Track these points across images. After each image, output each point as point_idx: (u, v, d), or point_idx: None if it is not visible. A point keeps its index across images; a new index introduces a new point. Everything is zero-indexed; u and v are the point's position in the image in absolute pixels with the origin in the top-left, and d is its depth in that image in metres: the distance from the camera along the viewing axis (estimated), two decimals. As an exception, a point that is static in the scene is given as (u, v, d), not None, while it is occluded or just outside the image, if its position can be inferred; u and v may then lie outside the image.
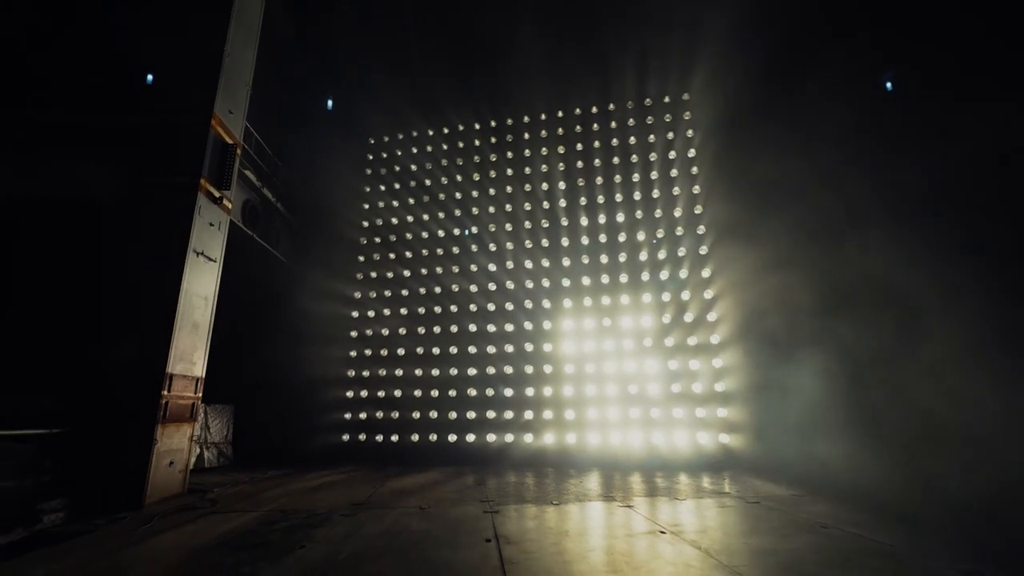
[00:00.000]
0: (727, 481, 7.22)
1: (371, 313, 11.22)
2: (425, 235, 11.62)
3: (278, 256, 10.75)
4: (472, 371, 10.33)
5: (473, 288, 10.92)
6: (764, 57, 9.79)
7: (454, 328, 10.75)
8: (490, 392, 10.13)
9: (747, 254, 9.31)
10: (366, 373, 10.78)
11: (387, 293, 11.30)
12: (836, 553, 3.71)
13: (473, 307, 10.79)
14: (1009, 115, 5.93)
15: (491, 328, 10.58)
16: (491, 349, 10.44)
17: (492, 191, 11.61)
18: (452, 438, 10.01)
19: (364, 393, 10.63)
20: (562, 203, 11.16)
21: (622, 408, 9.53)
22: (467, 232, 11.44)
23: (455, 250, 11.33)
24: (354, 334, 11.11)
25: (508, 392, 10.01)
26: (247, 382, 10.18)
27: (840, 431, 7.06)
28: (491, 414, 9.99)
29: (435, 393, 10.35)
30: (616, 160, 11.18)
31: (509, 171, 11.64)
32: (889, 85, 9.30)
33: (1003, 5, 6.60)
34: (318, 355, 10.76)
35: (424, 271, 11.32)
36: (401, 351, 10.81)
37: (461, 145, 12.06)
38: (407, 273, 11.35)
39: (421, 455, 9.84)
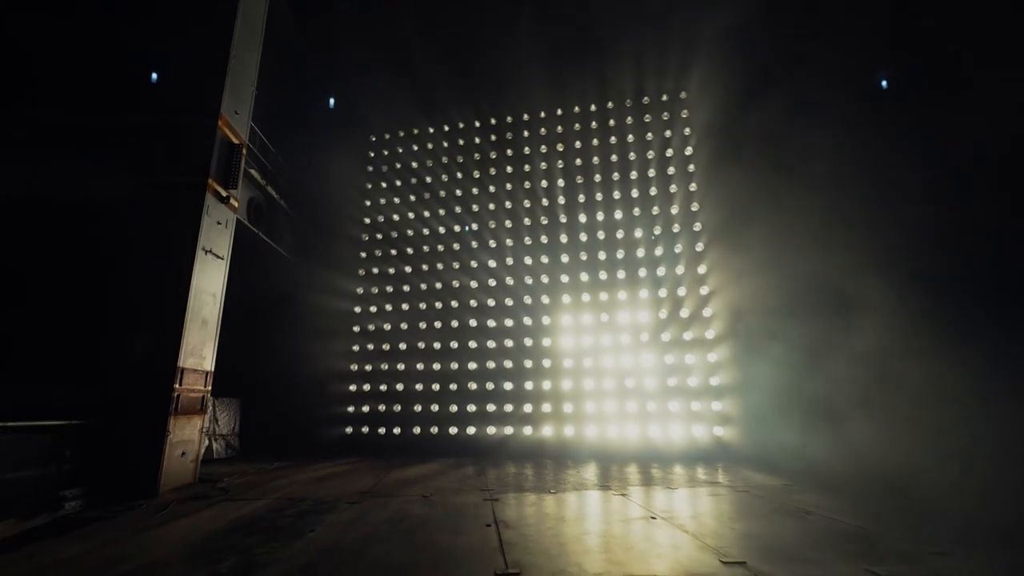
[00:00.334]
0: (720, 472, 7.46)
1: (373, 308, 11.44)
2: (426, 232, 11.83)
3: (282, 253, 10.94)
4: (472, 365, 10.56)
5: (473, 284, 11.13)
6: (760, 57, 9.94)
7: (455, 323, 10.97)
8: (490, 386, 10.36)
9: (733, 256, 9.70)
10: (368, 367, 11.01)
11: (389, 289, 11.51)
12: (816, 536, 3.93)
13: (473, 303, 11.01)
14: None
15: (491, 323, 10.80)
16: (491, 344, 10.67)
17: (492, 188, 11.79)
18: (453, 431, 10.26)
19: (367, 387, 10.87)
20: (561, 200, 11.34)
21: (619, 401, 9.77)
22: (467, 229, 11.63)
23: (455, 246, 11.53)
24: (356, 329, 11.33)
25: (507, 386, 10.27)
26: (253, 376, 10.41)
27: (806, 421, 7.75)
28: (491, 407, 10.23)
29: (436, 387, 10.59)
30: (614, 158, 11.35)
31: (509, 168, 11.81)
32: (884, 83, 9.47)
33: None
34: (321, 350, 10.99)
35: (425, 267, 11.53)
36: (403, 346, 11.03)
37: (461, 143, 12.22)
38: (408, 269, 11.56)
39: (423, 447, 10.09)
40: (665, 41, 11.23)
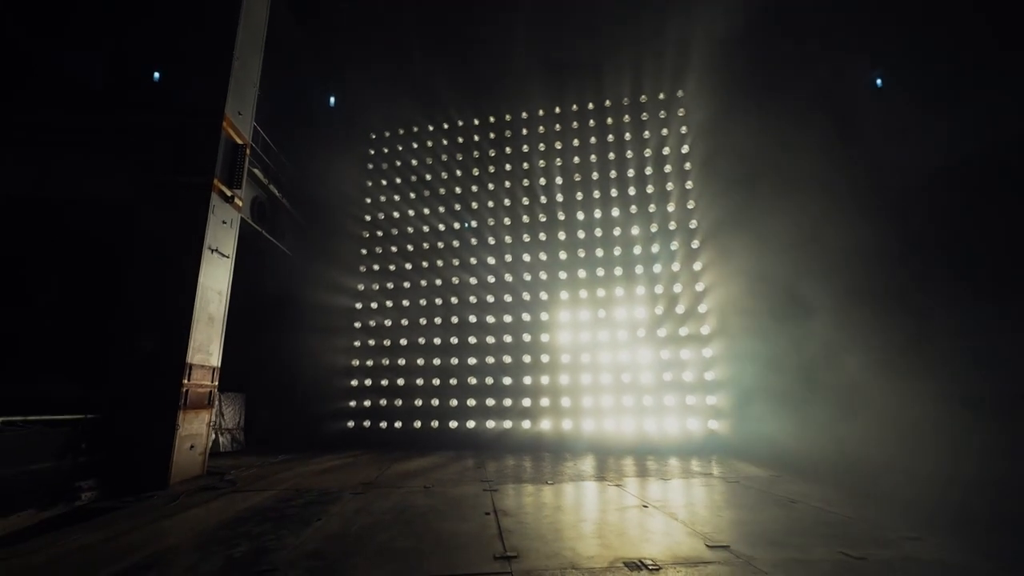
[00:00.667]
0: (713, 464, 7.68)
1: (374, 305, 11.62)
2: (426, 229, 11.98)
3: (284, 250, 11.10)
4: (472, 360, 10.76)
5: (473, 280, 11.31)
6: (757, 57, 10.09)
7: (454, 319, 11.15)
8: (489, 381, 10.56)
9: (722, 258, 10.05)
10: (370, 362, 11.20)
11: (389, 285, 11.68)
12: (798, 523, 4.14)
13: (473, 299, 11.18)
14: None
15: (490, 319, 10.98)
16: (490, 339, 10.86)
17: (491, 186, 11.94)
18: (453, 424, 10.47)
19: (368, 382, 11.06)
20: (559, 198, 11.49)
21: (616, 396, 9.97)
22: (466, 226, 11.78)
23: (455, 243, 11.69)
24: (358, 325, 11.51)
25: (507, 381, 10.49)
26: (257, 372, 10.61)
27: (777, 410, 8.47)
28: (490, 402, 10.43)
29: (436, 381, 10.79)
30: (612, 156, 11.49)
31: (507, 166, 11.95)
32: (879, 82, 9.61)
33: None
34: (323, 345, 11.18)
35: (425, 264, 11.69)
36: (404, 341, 11.21)
37: (460, 140, 12.36)
38: (408, 266, 11.73)
39: (423, 441, 10.29)
40: (662, 41, 11.35)
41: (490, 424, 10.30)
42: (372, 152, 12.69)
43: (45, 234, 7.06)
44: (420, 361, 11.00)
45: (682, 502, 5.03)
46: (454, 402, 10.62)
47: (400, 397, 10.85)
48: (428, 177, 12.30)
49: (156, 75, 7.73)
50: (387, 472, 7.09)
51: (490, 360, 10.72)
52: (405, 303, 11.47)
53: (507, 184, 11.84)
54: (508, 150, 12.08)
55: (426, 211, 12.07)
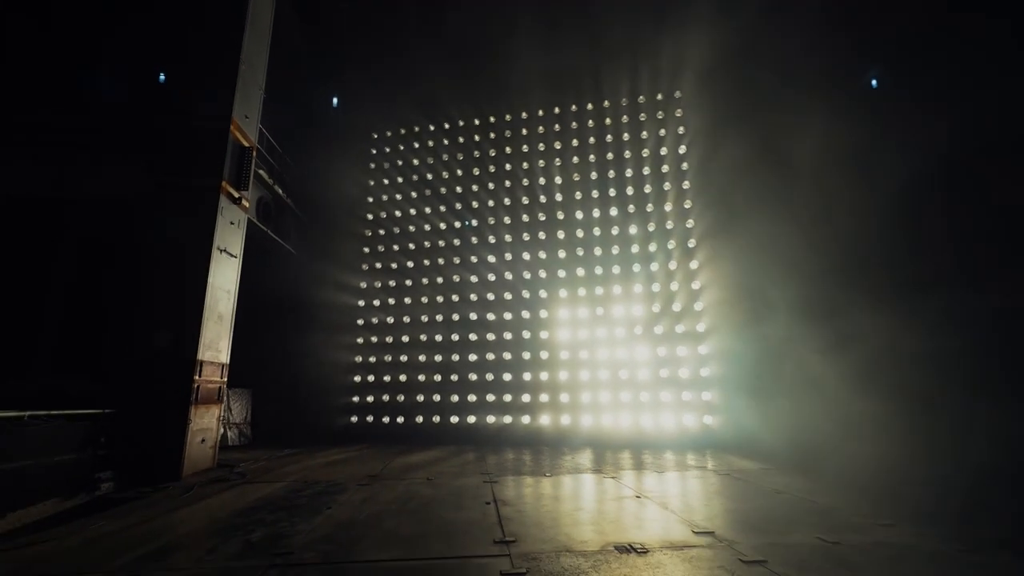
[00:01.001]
0: (708, 458, 7.93)
1: (376, 302, 11.85)
2: (427, 228, 12.20)
3: (289, 249, 11.32)
4: (472, 357, 11.00)
5: (473, 278, 11.54)
6: (753, 57, 10.25)
7: (456, 316, 11.39)
8: (490, 377, 10.82)
9: (712, 262, 10.41)
10: (373, 359, 11.45)
11: (392, 283, 11.91)
12: (782, 512, 4.39)
13: (473, 296, 11.42)
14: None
15: (491, 316, 11.22)
16: (491, 336, 11.10)
17: (491, 185, 12.14)
18: (454, 420, 10.73)
19: (371, 378, 11.32)
20: (558, 197, 11.70)
21: (614, 392, 10.22)
22: (467, 224, 12.00)
23: (456, 242, 11.91)
24: (361, 322, 11.76)
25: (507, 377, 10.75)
26: (263, 368, 10.85)
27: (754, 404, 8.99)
28: (491, 397, 10.69)
29: (438, 377, 11.05)
30: (610, 155, 11.69)
31: (507, 166, 12.16)
32: (874, 83, 9.77)
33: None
34: (327, 342, 11.43)
35: (427, 262, 11.92)
36: (406, 338, 11.45)
37: (461, 140, 12.55)
38: (410, 264, 11.97)
39: (425, 436, 10.56)
40: (660, 41, 11.51)
41: (490, 419, 10.56)
42: (374, 152, 12.88)
43: (60, 234, 7.28)
44: (422, 358, 11.24)
45: (674, 493, 5.28)
46: (455, 398, 10.88)
47: (402, 393, 11.11)
48: (429, 176, 12.49)
49: (162, 76, 7.93)
50: (391, 465, 7.34)
51: (490, 357, 10.96)
52: (407, 301, 11.71)
53: (507, 184, 12.04)
54: (508, 150, 12.28)
55: (427, 210, 12.27)
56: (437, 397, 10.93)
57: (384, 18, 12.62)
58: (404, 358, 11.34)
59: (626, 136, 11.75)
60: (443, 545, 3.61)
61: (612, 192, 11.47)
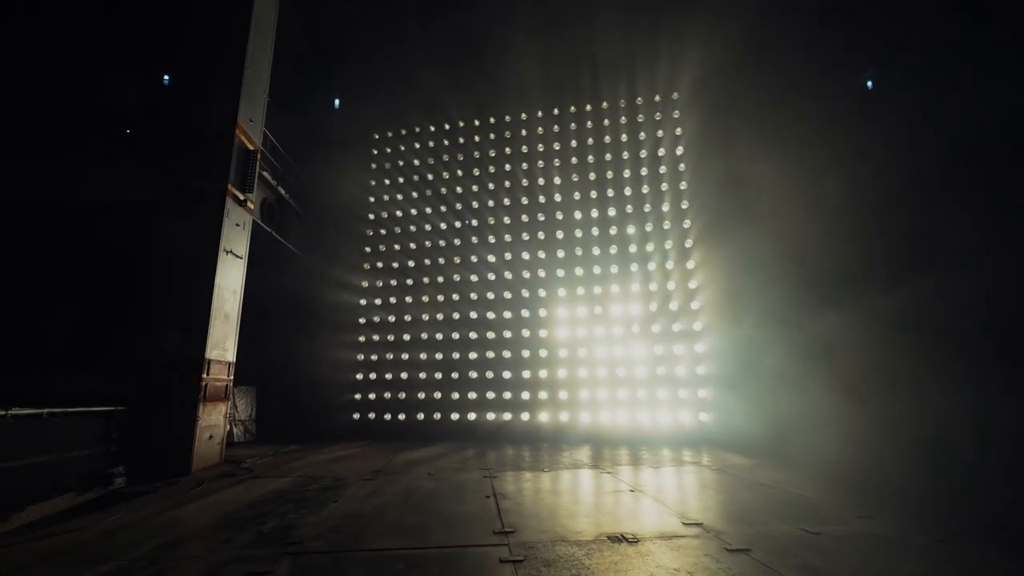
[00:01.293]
0: (703, 454, 8.12)
1: (378, 301, 12.03)
2: (428, 227, 12.37)
3: (292, 249, 11.49)
4: (473, 355, 11.19)
5: (473, 278, 11.72)
6: (751, 57, 10.39)
7: (456, 315, 11.57)
8: (489, 375, 11.01)
9: (705, 266, 10.65)
10: (374, 357, 11.64)
11: (393, 282, 12.09)
12: (768, 505, 4.58)
13: (473, 295, 11.60)
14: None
15: (490, 315, 11.40)
16: (490, 335, 11.29)
17: (491, 185, 12.31)
18: (455, 417, 10.93)
19: (373, 375, 11.52)
20: (557, 197, 11.87)
21: (611, 389, 10.42)
22: (467, 224, 12.17)
23: (456, 241, 12.08)
24: (362, 321, 11.94)
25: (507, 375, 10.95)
26: (267, 366, 11.05)
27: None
28: (490, 395, 10.88)
29: (439, 375, 11.24)
30: (608, 156, 11.86)
31: (507, 166, 12.32)
32: (870, 84, 9.90)
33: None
34: (329, 340, 11.63)
35: (427, 261, 12.09)
36: (407, 336, 11.64)
37: (461, 141, 12.70)
38: (411, 263, 12.14)
39: (426, 432, 10.76)
40: (658, 42, 11.65)
41: (490, 416, 10.76)
42: (375, 152, 13.04)
43: (74, 237, 7.46)
44: (423, 356, 11.43)
45: (667, 487, 5.47)
46: (456, 395, 11.08)
47: (404, 390, 11.30)
48: (430, 177, 12.65)
49: (167, 81, 8.09)
50: (393, 461, 7.53)
51: (490, 355, 11.15)
52: (408, 299, 11.89)
53: (507, 184, 12.21)
54: (508, 150, 12.44)
55: (428, 210, 12.44)
56: (438, 395, 11.13)
57: (384, 18, 12.75)
58: (405, 356, 11.53)
59: (624, 137, 11.91)
60: (445, 535, 3.80)
61: (610, 192, 11.64)
